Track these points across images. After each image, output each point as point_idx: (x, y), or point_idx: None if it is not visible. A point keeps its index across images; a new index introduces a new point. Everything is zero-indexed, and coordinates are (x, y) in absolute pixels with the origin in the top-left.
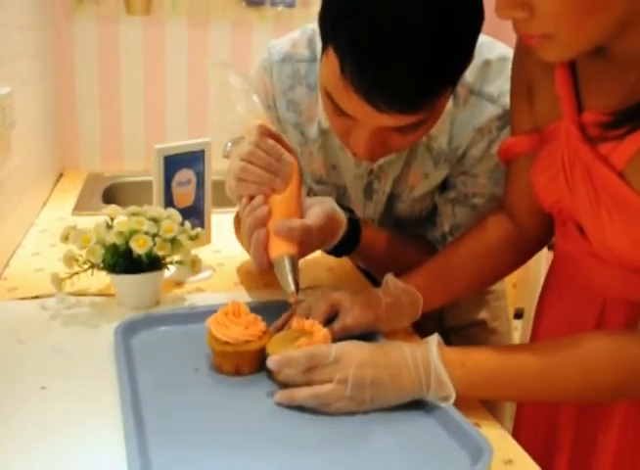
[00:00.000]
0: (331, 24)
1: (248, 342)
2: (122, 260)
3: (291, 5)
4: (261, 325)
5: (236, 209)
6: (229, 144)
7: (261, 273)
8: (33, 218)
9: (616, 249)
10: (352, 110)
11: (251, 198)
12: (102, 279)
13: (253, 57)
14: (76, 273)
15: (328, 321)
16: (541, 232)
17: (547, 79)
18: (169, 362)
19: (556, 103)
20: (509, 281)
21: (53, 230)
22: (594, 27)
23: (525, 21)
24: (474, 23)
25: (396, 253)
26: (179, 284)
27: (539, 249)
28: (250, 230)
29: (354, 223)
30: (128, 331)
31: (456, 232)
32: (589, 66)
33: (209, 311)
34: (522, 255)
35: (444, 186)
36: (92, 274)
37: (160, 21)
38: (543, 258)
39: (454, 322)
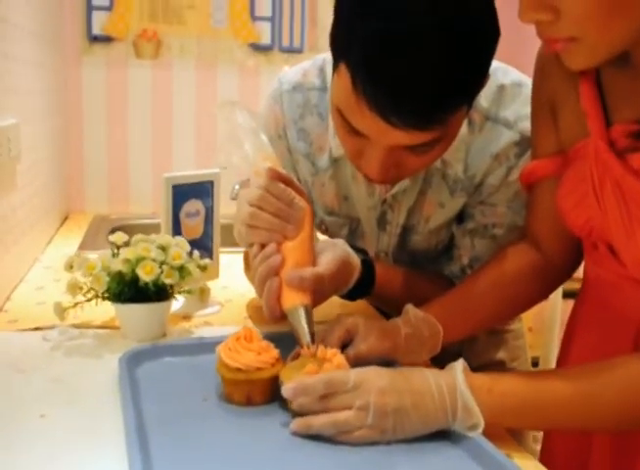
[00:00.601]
0: (343, 40)
1: (260, 369)
2: (128, 289)
3: (299, 51)
4: (274, 352)
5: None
6: (236, 186)
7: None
8: (38, 254)
9: None
10: (365, 127)
11: (263, 245)
12: (106, 311)
13: (261, 101)
14: (80, 303)
15: (342, 348)
16: (567, 260)
17: (571, 97)
18: (176, 393)
19: (581, 120)
20: (525, 323)
21: (57, 266)
22: (620, 29)
23: (551, 23)
24: (490, 38)
25: (412, 290)
26: (186, 318)
27: (566, 278)
28: (262, 280)
29: (368, 265)
30: (133, 361)
31: (476, 265)
32: (615, 78)
33: (219, 342)
34: (547, 284)
35: (461, 217)
36: (96, 304)
37: (168, 64)
38: (559, 307)
39: (472, 362)
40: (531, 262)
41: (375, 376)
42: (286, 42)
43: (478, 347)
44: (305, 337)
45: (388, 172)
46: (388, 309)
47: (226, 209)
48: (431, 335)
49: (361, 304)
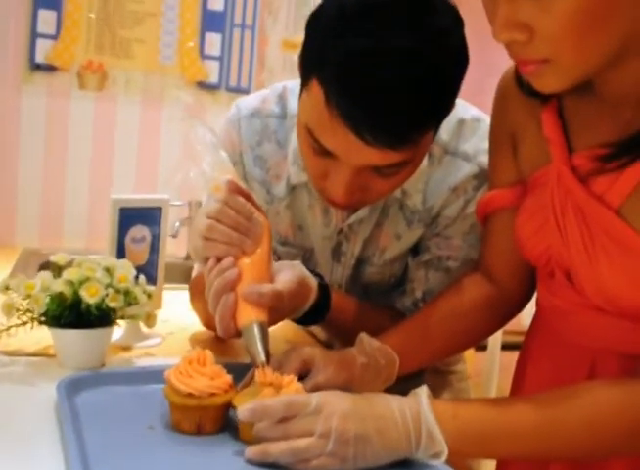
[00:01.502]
0: (316, 54)
1: (213, 394)
2: (69, 313)
3: (246, 91)
4: (227, 377)
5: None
6: (177, 224)
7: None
8: None
9: (613, 293)
10: (336, 145)
11: (219, 260)
12: (39, 338)
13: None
14: (15, 326)
15: (298, 379)
16: (521, 292)
17: (532, 126)
18: (120, 421)
19: (542, 149)
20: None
21: None
22: (594, 50)
23: (525, 44)
24: (461, 63)
25: (367, 320)
26: (126, 348)
27: (519, 310)
28: (217, 294)
29: (324, 289)
30: (72, 388)
31: (429, 298)
32: (576, 106)
33: (163, 371)
34: (501, 316)
35: (416, 250)
36: (32, 328)
37: (112, 97)
38: (497, 358)
39: None
40: (486, 294)
41: (337, 400)
42: (233, 82)
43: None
44: (260, 356)
45: (353, 195)
46: (341, 339)
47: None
48: (386, 364)
49: (306, 338)
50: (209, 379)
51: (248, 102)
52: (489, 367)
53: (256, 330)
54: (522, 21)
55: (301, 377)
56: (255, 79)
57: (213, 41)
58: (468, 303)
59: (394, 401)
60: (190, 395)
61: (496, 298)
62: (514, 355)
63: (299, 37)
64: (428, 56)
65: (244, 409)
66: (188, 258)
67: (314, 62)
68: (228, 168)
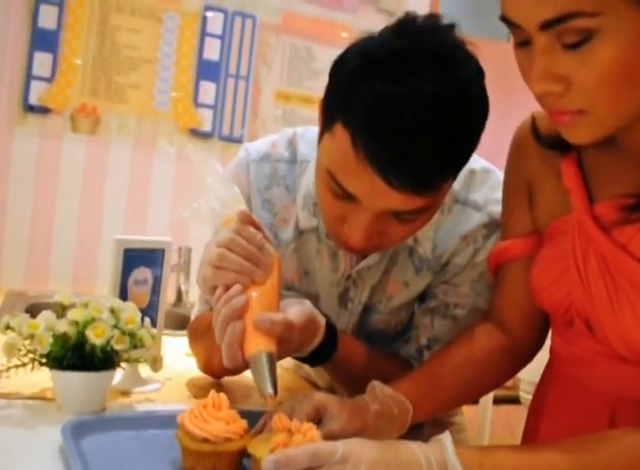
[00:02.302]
0: (342, 98)
1: (229, 440)
2: (72, 354)
3: (238, 141)
4: (243, 422)
5: (177, 332)
6: None
7: (234, 371)
8: None
9: (637, 342)
10: (359, 188)
11: (227, 288)
12: (37, 381)
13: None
14: (15, 367)
15: None
16: (533, 341)
17: (549, 177)
18: (131, 466)
19: (561, 199)
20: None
21: None
22: (629, 103)
23: (560, 95)
24: (483, 112)
25: (373, 366)
26: (125, 394)
27: (532, 357)
28: (224, 322)
29: (331, 329)
30: (77, 432)
31: (434, 346)
32: (597, 158)
33: (170, 416)
34: (513, 365)
35: (423, 298)
36: (32, 370)
37: (105, 141)
38: (489, 412)
39: None
40: (498, 343)
41: (363, 448)
42: (226, 131)
43: (421, 439)
44: (268, 387)
45: (371, 240)
46: (346, 385)
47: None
48: (400, 412)
49: (306, 387)
50: (225, 424)
51: (257, 146)
52: (481, 421)
53: (265, 360)
54: (559, 72)
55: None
56: (248, 129)
57: (208, 90)
58: (480, 352)
59: (418, 449)
60: (205, 440)
61: (508, 347)
62: (502, 409)
63: (292, 88)
64: (453, 103)
65: (268, 461)
66: (177, 303)
67: (339, 105)
68: (240, 202)
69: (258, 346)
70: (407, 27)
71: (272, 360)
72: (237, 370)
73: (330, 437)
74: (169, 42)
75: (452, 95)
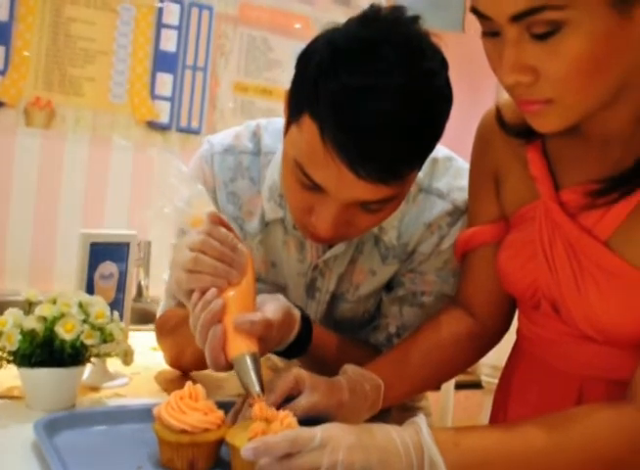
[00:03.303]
0: (309, 90)
1: (207, 430)
2: (41, 351)
3: (196, 132)
4: (220, 413)
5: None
6: None
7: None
8: None
9: (602, 322)
10: (327, 178)
11: (203, 292)
12: (4, 380)
13: (154, 180)
14: None
15: (286, 400)
16: (499, 325)
17: (515, 165)
18: (107, 462)
19: (528, 186)
20: None
21: None
22: (596, 91)
23: (529, 86)
24: (447, 101)
25: (345, 354)
26: (94, 389)
27: (499, 340)
28: (204, 327)
29: (306, 321)
30: (50, 428)
31: (403, 333)
32: (562, 146)
33: (143, 410)
34: (481, 348)
35: (390, 286)
36: (0, 367)
37: (60, 135)
38: (451, 396)
39: None
40: (466, 327)
41: (341, 433)
42: (184, 123)
43: (388, 423)
44: (255, 387)
45: (338, 230)
46: (320, 373)
47: None
48: (371, 389)
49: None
50: (203, 414)
51: (220, 138)
52: (444, 405)
53: (249, 361)
54: (528, 63)
55: (289, 399)
56: (206, 120)
57: (165, 82)
58: (449, 336)
59: (394, 431)
60: (183, 431)
61: (476, 331)
62: (462, 394)
63: (250, 80)
64: (419, 93)
65: (247, 448)
66: (137, 299)
67: (307, 97)
68: (206, 201)
69: (241, 347)
70: (373, 19)
71: (256, 360)
72: (219, 370)
73: (312, 408)
74: (125, 34)
75: (419, 86)
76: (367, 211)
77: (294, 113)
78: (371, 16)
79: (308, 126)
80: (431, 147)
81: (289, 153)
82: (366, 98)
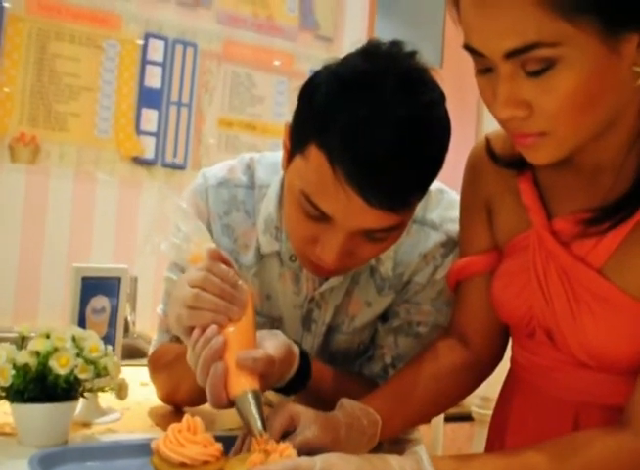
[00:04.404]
0: (317, 121)
1: (206, 463)
2: (34, 386)
3: (181, 168)
4: (218, 445)
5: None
6: None
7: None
8: None
9: (597, 349)
10: (336, 208)
11: (204, 329)
12: None
13: (140, 216)
14: None
15: (283, 436)
16: (494, 352)
17: (507, 195)
18: None
19: (520, 216)
20: None
21: None
22: (588, 124)
23: (523, 119)
24: (448, 133)
25: (342, 388)
26: (86, 425)
27: (493, 370)
28: (205, 364)
29: (304, 356)
30: (45, 464)
31: (399, 364)
32: (553, 176)
33: (138, 445)
34: (476, 378)
35: (385, 317)
36: None
37: (45, 170)
38: (441, 430)
39: None
40: (461, 357)
41: (341, 462)
42: (169, 158)
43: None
44: (257, 424)
45: (342, 260)
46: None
47: None
48: (369, 424)
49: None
50: (202, 447)
51: (215, 172)
52: (434, 437)
53: (251, 399)
54: (522, 98)
55: (285, 434)
56: (192, 156)
57: (150, 117)
58: (444, 367)
59: (394, 462)
60: (182, 464)
61: (471, 361)
62: (448, 427)
63: (234, 115)
64: (423, 123)
65: None
66: (124, 334)
67: (314, 128)
68: (206, 237)
69: (243, 385)
70: (374, 53)
71: (258, 398)
72: (220, 408)
73: (307, 444)
74: (110, 70)
75: (423, 116)
76: (371, 241)
77: (297, 144)
78: (371, 50)
79: (316, 156)
80: (435, 174)
81: (293, 184)
82: (374, 128)
